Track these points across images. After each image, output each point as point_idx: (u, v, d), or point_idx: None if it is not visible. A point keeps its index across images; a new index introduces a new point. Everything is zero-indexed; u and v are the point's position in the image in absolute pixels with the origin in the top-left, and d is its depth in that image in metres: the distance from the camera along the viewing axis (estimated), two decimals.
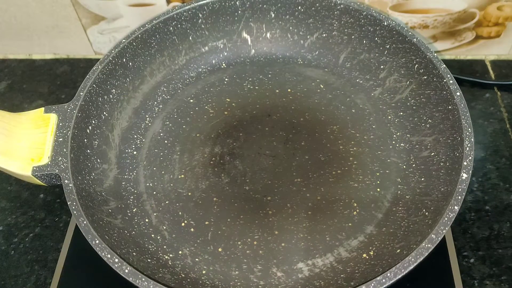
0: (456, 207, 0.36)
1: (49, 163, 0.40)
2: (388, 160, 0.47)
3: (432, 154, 0.45)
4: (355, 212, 0.44)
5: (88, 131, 0.44)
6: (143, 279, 0.33)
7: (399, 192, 0.45)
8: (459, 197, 0.37)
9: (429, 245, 0.35)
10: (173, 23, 0.50)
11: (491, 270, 0.45)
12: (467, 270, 0.45)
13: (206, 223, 0.43)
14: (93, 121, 0.45)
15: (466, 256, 0.46)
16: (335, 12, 0.51)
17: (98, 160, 0.45)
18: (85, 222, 0.36)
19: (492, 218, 0.48)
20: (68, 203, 0.38)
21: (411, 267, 0.34)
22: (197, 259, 0.41)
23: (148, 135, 0.50)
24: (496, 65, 0.60)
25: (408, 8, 0.55)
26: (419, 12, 0.56)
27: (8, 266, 0.46)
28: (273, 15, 0.53)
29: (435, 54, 0.45)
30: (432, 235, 0.35)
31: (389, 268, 0.34)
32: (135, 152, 0.48)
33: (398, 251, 0.39)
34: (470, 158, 0.39)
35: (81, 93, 0.43)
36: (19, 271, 0.46)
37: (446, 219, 0.36)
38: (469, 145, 0.40)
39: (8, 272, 0.46)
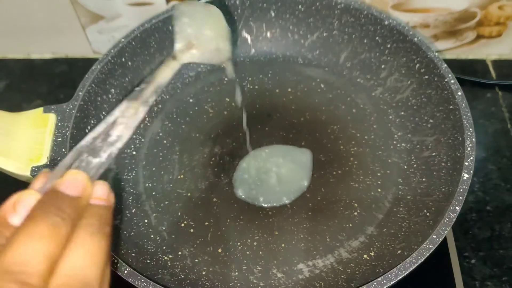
0: (457, 208, 0.36)
1: (48, 163, 0.40)
2: (389, 160, 0.47)
3: (433, 154, 0.44)
4: (355, 213, 0.43)
5: (87, 131, 0.44)
6: (142, 280, 0.33)
7: (400, 192, 0.44)
8: (461, 198, 0.37)
9: (430, 246, 0.34)
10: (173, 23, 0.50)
11: (492, 271, 0.45)
12: (468, 270, 0.45)
13: (206, 223, 0.43)
14: (92, 121, 0.45)
15: (467, 256, 0.46)
16: (336, 11, 0.51)
17: None
18: None
19: (493, 219, 0.48)
20: None
21: (412, 268, 0.34)
22: (196, 260, 0.41)
23: (147, 135, 0.49)
24: (498, 65, 0.60)
25: (409, 7, 0.55)
26: (420, 11, 0.55)
27: None
28: (273, 14, 0.53)
29: (436, 54, 0.45)
30: (433, 236, 0.35)
31: (390, 269, 0.34)
32: (134, 152, 0.48)
33: (399, 251, 0.39)
34: (471, 158, 0.39)
35: (80, 93, 0.43)
36: None
37: (447, 219, 0.36)
38: (470, 145, 0.39)
39: None
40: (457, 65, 0.60)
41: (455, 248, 0.45)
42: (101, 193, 0.25)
